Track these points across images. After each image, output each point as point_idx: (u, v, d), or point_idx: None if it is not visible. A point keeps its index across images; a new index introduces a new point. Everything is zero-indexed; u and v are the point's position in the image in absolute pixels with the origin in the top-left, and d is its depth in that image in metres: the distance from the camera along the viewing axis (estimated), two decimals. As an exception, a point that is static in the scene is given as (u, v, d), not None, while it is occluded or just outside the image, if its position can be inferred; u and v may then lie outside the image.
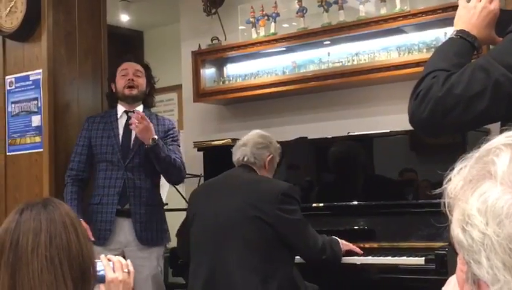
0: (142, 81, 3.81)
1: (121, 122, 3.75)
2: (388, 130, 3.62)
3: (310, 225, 3.07)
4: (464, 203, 0.82)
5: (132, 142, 3.69)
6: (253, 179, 3.15)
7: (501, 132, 0.90)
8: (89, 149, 3.74)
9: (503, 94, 1.50)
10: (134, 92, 3.75)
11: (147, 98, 3.87)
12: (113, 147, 3.68)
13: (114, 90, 3.81)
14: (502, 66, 1.50)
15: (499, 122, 1.60)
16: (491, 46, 1.82)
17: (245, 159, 3.20)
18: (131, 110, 3.74)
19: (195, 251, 3.14)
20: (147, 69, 3.91)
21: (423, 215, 3.23)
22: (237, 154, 3.23)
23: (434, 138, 3.04)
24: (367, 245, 3.36)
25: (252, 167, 3.20)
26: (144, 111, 3.75)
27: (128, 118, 3.72)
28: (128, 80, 3.75)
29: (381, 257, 3.25)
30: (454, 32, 1.73)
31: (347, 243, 3.27)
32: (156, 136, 3.56)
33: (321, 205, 3.74)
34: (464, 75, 1.54)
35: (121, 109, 3.78)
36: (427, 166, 3.54)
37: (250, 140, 3.24)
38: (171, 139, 3.78)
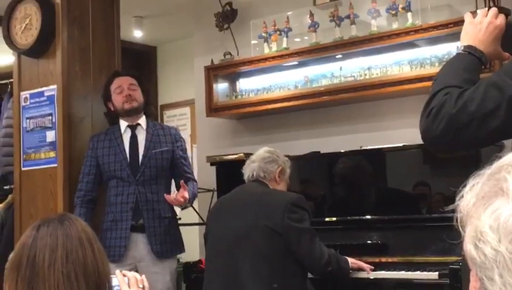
0: (138, 94, 3.78)
1: (126, 137, 3.74)
2: (401, 144, 3.63)
3: (317, 236, 3.07)
4: (476, 220, 0.83)
5: (140, 156, 3.69)
6: (263, 191, 3.19)
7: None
8: (96, 168, 3.73)
9: None
10: (135, 104, 3.72)
11: (146, 108, 3.86)
12: (121, 163, 3.67)
13: (112, 108, 3.79)
14: None
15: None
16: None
17: (254, 174, 3.24)
18: (134, 124, 3.75)
19: (208, 266, 3.17)
20: (138, 79, 3.86)
21: (437, 229, 3.22)
22: (247, 172, 3.28)
23: (447, 153, 3.04)
24: (381, 259, 3.36)
25: (262, 181, 3.23)
26: (147, 122, 3.76)
27: (133, 132, 3.74)
28: (125, 96, 3.72)
29: (395, 272, 3.24)
30: (462, 48, 1.74)
31: (356, 261, 3.26)
32: (187, 197, 3.57)
33: (334, 219, 3.74)
34: (477, 92, 1.54)
35: (124, 124, 3.76)
36: (440, 180, 3.53)
37: (257, 156, 3.30)
38: (181, 151, 3.78)
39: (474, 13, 1.81)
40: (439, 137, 1.58)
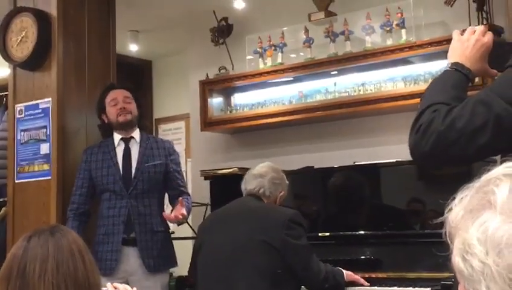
0: (133, 107, 3.77)
1: (119, 151, 3.73)
2: (395, 160, 3.63)
3: (314, 252, 3.08)
4: (464, 233, 0.83)
5: (133, 170, 3.68)
6: (260, 206, 3.19)
7: (501, 162, 0.91)
8: (89, 181, 3.71)
9: (504, 128, 1.51)
10: (129, 117, 3.72)
11: (140, 121, 3.85)
12: (114, 177, 3.66)
13: (106, 121, 3.78)
14: (503, 100, 1.51)
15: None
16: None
17: (261, 190, 3.22)
18: (128, 137, 3.74)
19: (203, 280, 3.14)
20: (133, 93, 3.86)
21: (430, 245, 3.21)
22: (252, 184, 3.24)
23: (436, 169, 3.05)
24: (373, 275, 3.35)
25: (261, 197, 3.22)
26: (141, 135, 3.76)
27: (126, 145, 3.73)
28: (120, 108, 3.71)
29: (388, 287, 3.24)
30: (449, 65, 1.75)
31: (352, 273, 3.26)
32: (185, 213, 3.59)
33: (327, 234, 3.73)
34: (466, 109, 1.56)
35: (117, 137, 3.75)
36: (433, 196, 3.53)
37: (267, 173, 3.26)
38: (174, 164, 3.78)
39: (463, 31, 1.82)
40: (427, 153, 1.59)
